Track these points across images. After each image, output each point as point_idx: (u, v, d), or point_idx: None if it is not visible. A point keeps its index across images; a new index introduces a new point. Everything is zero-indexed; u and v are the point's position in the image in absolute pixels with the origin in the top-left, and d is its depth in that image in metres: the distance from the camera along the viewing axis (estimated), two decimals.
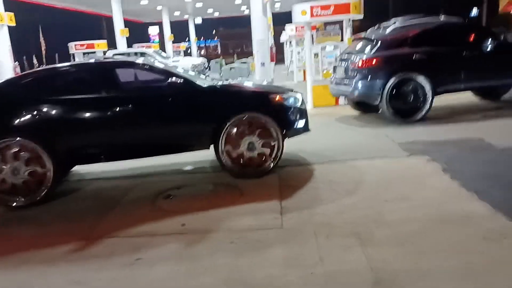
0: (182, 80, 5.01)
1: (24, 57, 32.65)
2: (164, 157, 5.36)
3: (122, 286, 3.01)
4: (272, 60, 12.82)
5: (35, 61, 31.36)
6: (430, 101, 7.46)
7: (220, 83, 5.61)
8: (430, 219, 3.64)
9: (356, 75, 7.83)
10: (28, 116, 4.80)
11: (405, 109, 7.56)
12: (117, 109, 4.92)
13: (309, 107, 10.63)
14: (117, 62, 5.81)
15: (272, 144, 5.14)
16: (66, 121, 4.91)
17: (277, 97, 5.27)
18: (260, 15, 10.48)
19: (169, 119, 5.05)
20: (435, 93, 7.47)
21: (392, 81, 7.40)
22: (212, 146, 5.12)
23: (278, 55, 30.03)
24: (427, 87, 7.40)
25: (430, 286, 2.71)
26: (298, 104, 5.46)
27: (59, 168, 4.84)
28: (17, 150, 4.69)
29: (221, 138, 5.02)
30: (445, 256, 3.03)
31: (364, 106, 8.64)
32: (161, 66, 5.57)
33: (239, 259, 3.25)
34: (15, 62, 15.90)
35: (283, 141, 5.18)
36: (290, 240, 3.49)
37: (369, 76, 7.63)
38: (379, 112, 7.97)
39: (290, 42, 20.35)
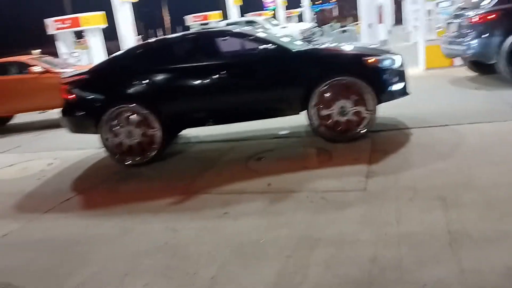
0: (275, 46, 5.14)
1: (151, 31, 35.43)
2: (263, 122, 5.63)
3: (210, 234, 3.34)
4: (380, 22, 12.16)
5: (160, 34, 33.73)
6: None
7: (314, 47, 5.59)
8: None
9: (471, 32, 7.14)
10: (141, 84, 5.34)
11: None
12: (217, 76, 5.23)
13: (421, 69, 10.05)
14: (214, 31, 6.10)
15: (365, 108, 5.04)
16: (174, 88, 5.37)
17: (372, 59, 5.10)
18: None
19: (261, 84, 5.23)
20: None
21: None
22: (304, 111, 5.21)
23: (397, 15, 28.40)
24: None
25: (502, 250, 2.56)
26: (396, 67, 5.22)
27: (167, 132, 5.36)
28: (131, 115, 5.29)
29: (312, 103, 5.07)
30: None
31: (482, 66, 7.89)
32: (258, 34, 5.73)
33: (317, 216, 3.37)
34: (138, 35, 17.41)
35: (376, 105, 5.05)
36: (371, 202, 3.49)
37: (486, 33, 6.92)
38: (499, 73, 7.22)
39: None
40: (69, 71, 8.76)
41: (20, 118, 10.14)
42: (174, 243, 3.25)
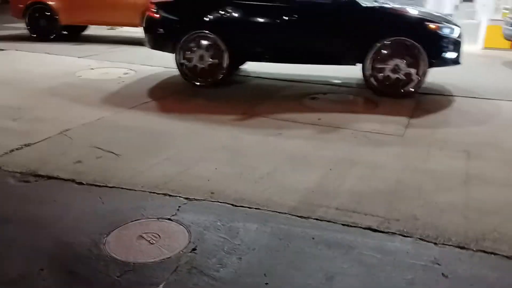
0: None
1: None
2: (318, 69, 6.13)
3: (266, 145, 4.04)
4: None
5: None
6: None
7: (381, 4, 5.97)
8: None
9: None
10: (216, 15, 5.93)
11: None
12: (284, 17, 5.76)
13: (479, 47, 10.17)
14: None
15: (417, 69, 5.49)
16: (243, 22, 5.94)
17: (432, 26, 5.51)
18: None
19: (326, 32, 5.74)
20: None
21: None
22: (359, 63, 5.71)
23: None
24: None
25: (508, 192, 3.16)
26: (454, 36, 5.60)
27: (233, 60, 6.00)
28: (205, 41, 5.93)
29: (369, 57, 5.56)
30: None
31: None
32: None
33: (357, 147, 4.01)
34: None
35: (428, 68, 5.50)
36: (405, 145, 4.09)
37: None
38: None
39: None
40: None
41: (92, 31, 10.99)
42: (237, 146, 3.98)
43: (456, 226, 2.66)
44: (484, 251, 2.40)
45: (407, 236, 2.54)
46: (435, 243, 2.47)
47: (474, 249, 2.41)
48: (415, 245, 2.46)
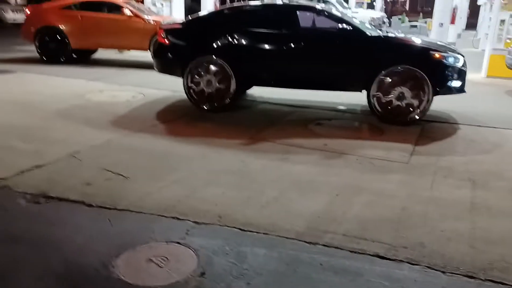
0: (351, 27, 5.72)
1: None
2: (323, 95, 6.21)
3: (273, 169, 4.08)
4: (452, 22, 12.27)
5: None
6: None
7: (386, 34, 6.09)
8: None
9: None
10: (224, 41, 6.06)
11: None
12: (291, 45, 5.88)
13: (482, 75, 10.28)
14: (298, 5, 6.63)
15: (422, 97, 5.56)
16: (250, 48, 6.06)
17: (437, 55, 5.60)
18: None
19: (332, 60, 5.85)
20: None
21: None
22: (364, 90, 5.80)
23: (471, 19, 27.79)
24: None
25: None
26: (458, 65, 5.70)
27: (239, 85, 6.10)
28: (212, 66, 6.05)
29: (374, 84, 5.64)
30: None
31: None
32: (336, 13, 6.31)
33: (362, 174, 4.04)
34: None
35: (433, 96, 5.56)
36: (410, 172, 4.12)
37: None
38: None
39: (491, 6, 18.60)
40: (151, 18, 9.69)
41: (100, 54, 11.19)
42: (244, 170, 4.02)
43: (463, 255, 2.67)
44: (493, 281, 2.40)
45: (415, 264, 2.55)
46: (443, 272, 2.48)
47: (483, 278, 2.42)
48: (422, 273, 2.47)
